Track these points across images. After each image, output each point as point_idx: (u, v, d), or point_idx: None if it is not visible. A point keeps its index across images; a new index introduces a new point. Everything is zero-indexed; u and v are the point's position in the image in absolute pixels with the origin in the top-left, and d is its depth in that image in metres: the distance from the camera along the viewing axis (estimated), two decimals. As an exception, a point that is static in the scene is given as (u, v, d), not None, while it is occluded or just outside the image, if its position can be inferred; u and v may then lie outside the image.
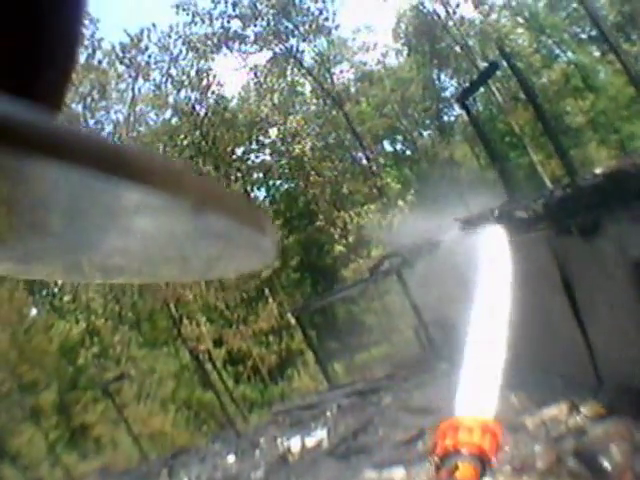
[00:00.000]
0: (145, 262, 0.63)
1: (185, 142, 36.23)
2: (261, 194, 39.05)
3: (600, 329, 11.67)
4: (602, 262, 12.35)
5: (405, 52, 43.46)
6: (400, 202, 35.12)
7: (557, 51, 42.62)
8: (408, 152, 41.99)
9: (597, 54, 39.37)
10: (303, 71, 38.05)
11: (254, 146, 38.20)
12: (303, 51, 37.54)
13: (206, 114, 36.43)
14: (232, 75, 39.16)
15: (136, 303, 34.50)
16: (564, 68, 40.46)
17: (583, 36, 41.45)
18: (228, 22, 36.31)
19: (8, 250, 0.57)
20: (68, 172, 0.41)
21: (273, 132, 38.06)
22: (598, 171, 17.62)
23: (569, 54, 41.93)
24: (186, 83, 36.43)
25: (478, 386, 2.82)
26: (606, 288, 11.23)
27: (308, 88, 39.37)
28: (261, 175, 39.21)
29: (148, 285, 32.94)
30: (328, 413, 17.75)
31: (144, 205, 0.48)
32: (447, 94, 41.76)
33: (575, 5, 40.14)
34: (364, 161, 38.36)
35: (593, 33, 35.48)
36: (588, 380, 11.91)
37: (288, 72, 38.05)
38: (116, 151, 0.43)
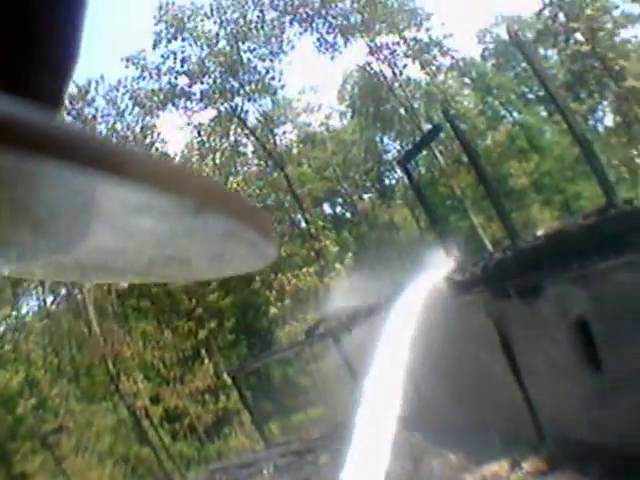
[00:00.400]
0: (145, 262, 0.64)
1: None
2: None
3: (541, 387, 11.92)
4: (542, 322, 12.58)
5: (349, 114, 43.87)
6: (338, 265, 35.29)
7: (503, 112, 43.46)
8: (348, 215, 42.19)
9: (544, 114, 40.20)
10: (246, 131, 38.28)
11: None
12: (247, 111, 37.99)
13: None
14: (176, 133, 39.13)
15: (75, 357, 34.20)
16: (509, 129, 41.31)
17: (531, 96, 42.40)
18: (176, 78, 36.67)
19: (7, 250, 0.57)
20: (68, 172, 0.41)
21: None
22: (539, 233, 18.04)
23: (515, 114, 42.83)
24: (131, 139, 36.39)
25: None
26: (546, 347, 11.49)
27: (250, 148, 39.53)
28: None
29: (86, 340, 32.86)
30: (265, 472, 17.79)
31: (144, 205, 0.47)
32: (389, 157, 42.18)
33: (524, 65, 41.10)
34: (303, 224, 38.42)
35: (541, 93, 36.26)
36: (529, 436, 12.10)
37: (231, 131, 38.17)
38: (116, 151, 0.42)
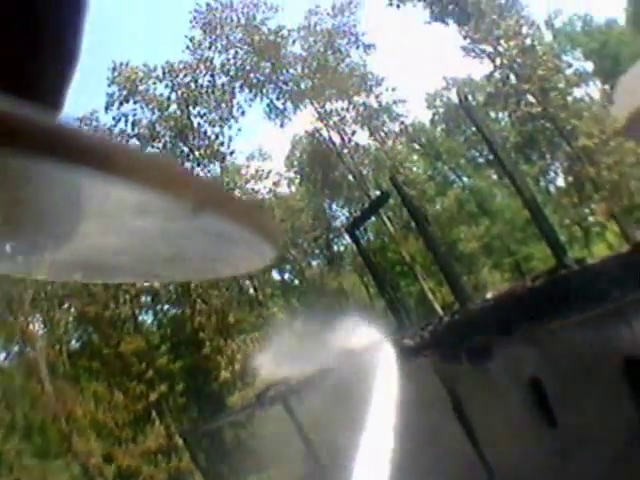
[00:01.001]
0: (145, 262, 0.64)
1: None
2: (149, 318, 38.61)
3: (496, 448, 11.78)
4: (494, 383, 12.50)
5: (297, 180, 44.01)
6: (286, 331, 35.13)
7: (453, 176, 43.94)
8: (296, 281, 42.13)
9: (495, 177, 40.74)
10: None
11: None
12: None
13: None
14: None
15: (28, 414, 33.72)
16: (458, 194, 41.71)
17: (481, 160, 42.96)
18: (127, 141, 36.53)
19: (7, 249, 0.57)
20: (68, 172, 0.41)
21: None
22: (489, 295, 18.10)
23: (465, 179, 43.32)
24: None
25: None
26: (500, 408, 11.39)
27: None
28: (149, 299, 38.84)
29: (39, 397, 32.55)
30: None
31: (143, 206, 0.47)
32: (338, 223, 42.30)
33: (474, 128, 41.52)
34: (252, 290, 38.32)
35: (491, 156, 36.82)
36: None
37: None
38: (117, 151, 0.42)
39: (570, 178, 27.67)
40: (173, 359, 36.32)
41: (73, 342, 36.08)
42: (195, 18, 36.88)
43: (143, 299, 39.28)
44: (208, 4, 36.41)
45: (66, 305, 35.97)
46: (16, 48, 0.61)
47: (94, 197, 0.48)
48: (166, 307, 39.83)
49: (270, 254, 0.60)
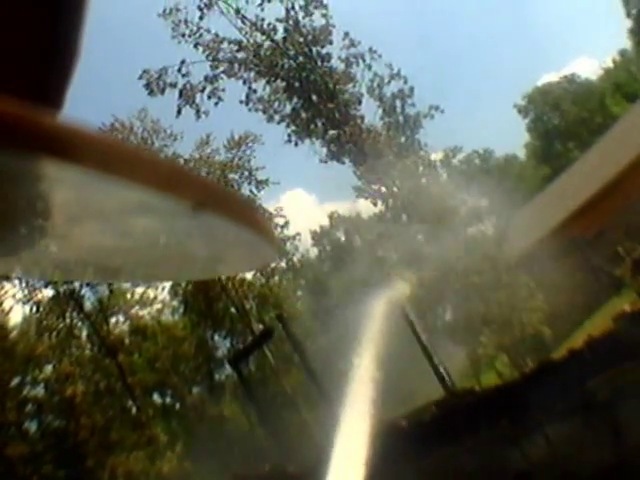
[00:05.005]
0: (145, 262, 0.66)
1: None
2: (34, 426, 37.54)
3: None
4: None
5: (181, 309, 43.82)
6: (169, 453, 34.69)
7: (339, 313, 44.35)
8: (177, 406, 41.61)
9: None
10: (82, 315, 37.74)
11: (29, 379, 37.15)
12: (84, 295, 37.45)
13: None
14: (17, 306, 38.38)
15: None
16: (345, 329, 41.89)
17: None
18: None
19: (6, 249, 0.59)
20: (68, 171, 0.40)
21: (48, 369, 37.28)
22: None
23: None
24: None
25: None
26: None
27: (85, 332, 38.97)
28: (35, 408, 37.78)
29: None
30: None
31: (143, 205, 0.47)
32: (220, 353, 42.21)
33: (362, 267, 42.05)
34: (134, 410, 37.75)
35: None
36: None
37: (67, 314, 37.54)
38: (117, 150, 0.42)
39: (458, 314, 28.21)
40: (57, 468, 35.26)
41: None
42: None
43: (29, 407, 38.21)
44: (112, 124, 36.44)
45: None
46: (18, 48, 0.64)
47: (94, 197, 0.47)
48: (50, 418, 38.78)
49: (270, 254, 0.63)
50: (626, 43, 56.38)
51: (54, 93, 0.69)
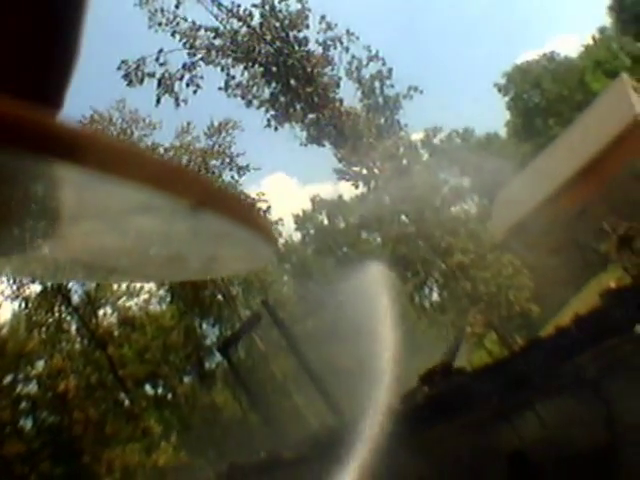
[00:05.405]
0: (144, 262, 0.65)
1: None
2: (29, 423, 37.56)
3: None
4: None
5: (168, 299, 43.78)
6: (164, 443, 34.79)
7: (325, 296, 44.48)
8: (169, 396, 41.67)
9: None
10: (70, 309, 37.69)
11: (21, 376, 37.15)
12: (71, 289, 37.41)
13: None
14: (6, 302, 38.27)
15: None
16: (332, 313, 42.03)
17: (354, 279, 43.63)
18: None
19: (7, 247, 0.59)
20: (68, 171, 0.40)
21: (40, 365, 37.34)
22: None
23: (338, 297, 43.76)
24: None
25: None
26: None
27: (74, 326, 38.93)
28: (29, 405, 37.82)
29: None
30: None
31: (143, 205, 0.47)
32: (209, 341, 42.15)
33: (345, 249, 41.99)
34: (127, 402, 37.82)
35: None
36: None
37: (56, 308, 37.46)
38: (116, 150, 0.42)
39: (445, 293, 28.27)
40: (55, 465, 35.31)
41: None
42: (78, 128, 36.85)
43: (23, 404, 38.25)
44: (92, 115, 36.29)
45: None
46: (17, 48, 0.63)
47: (94, 196, 0.47)
48: (45, 414, 38.79)
49: (269, 254, 0.62)
50: (606, 20, 56.81)
51: (54, 93, 0.70)
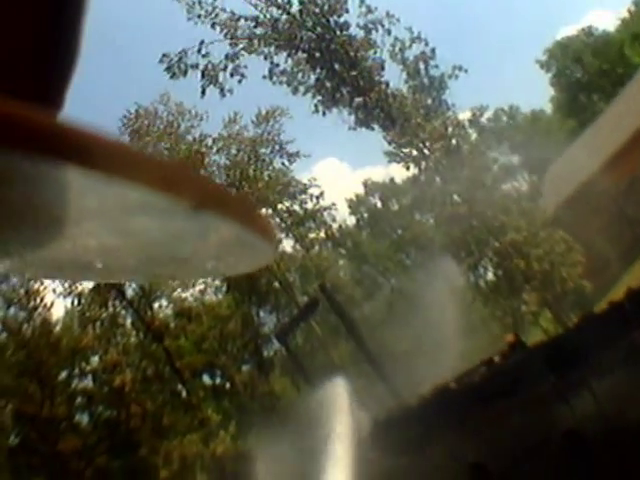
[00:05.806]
0: (145, 262, 0.66)
1: (12, 360, 35.25)
2: (85, 418, 38.02)
3: None
4: (436, 469, 12.73)
5: (224, 288, 44.01)
6: (222, 432, 34.99)
7: (381, 279, 44.50)
8: (227, 385, 41.92)
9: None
10: (124, 303, 38.03)
11: (77, 372, 37.59)
12: (124, 284, 37.57)
13: (32, 335, 35.78)
14: (58, 299, 38.71)
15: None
16: (388, 296, 42.04)
17: (408, 262, 43.60)
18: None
19: (6, 249, 0.59)
20: (67, 171, 0.40)
21: (95, 360, 37.72)
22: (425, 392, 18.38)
23: (393, 281, 43.78)
24: (15, 301, 35.75)
25: None
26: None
27: (129, 320, 39.28)
28: (85, 400, 38.29)
29: None
30: None
31: (143, 205, 0.47)
32: (266, 329, 42.30)
33: (399, 232, 41.90)
34: (184, 394, 38.11)
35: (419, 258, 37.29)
36: None
37: (110, 302, 37.84)
38: (116, 150, 0.42)
39: (500, 272, 28.07)
40: (111, 458, 35.71)
41: (12, 438, 35.23)
42: (124, 125, 37.11)
43: (79, 400, 38.70)
44: (137, 110, 36.54)
45: (2, 403, 35.33)
46: (17, 48, 0.63)
47: (94, 197, 0.47)
48: (101, 409, 39.25)
49: (270, 254, 0.62)
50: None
51: (54, 93, 0.69)
